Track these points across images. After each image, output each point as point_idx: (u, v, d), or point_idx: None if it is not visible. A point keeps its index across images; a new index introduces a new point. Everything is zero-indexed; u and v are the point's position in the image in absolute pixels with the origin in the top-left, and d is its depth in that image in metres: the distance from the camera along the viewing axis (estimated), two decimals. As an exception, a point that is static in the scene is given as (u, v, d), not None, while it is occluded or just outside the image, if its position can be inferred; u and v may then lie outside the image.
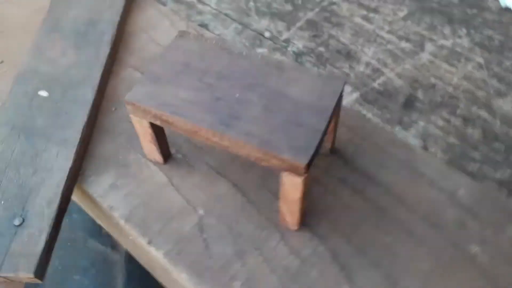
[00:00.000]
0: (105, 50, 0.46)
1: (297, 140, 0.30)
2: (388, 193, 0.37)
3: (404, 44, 0.51)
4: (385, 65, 0.49)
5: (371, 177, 0.38)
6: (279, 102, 0.32)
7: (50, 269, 0.34)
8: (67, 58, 0.45)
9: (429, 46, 0.51)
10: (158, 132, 0.36)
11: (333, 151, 0.40)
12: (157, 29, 0.52)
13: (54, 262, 0.45)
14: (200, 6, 0.56)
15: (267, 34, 0.53)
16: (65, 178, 0.36)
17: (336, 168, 0.39)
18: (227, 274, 0.33)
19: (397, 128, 0.43)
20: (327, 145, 0.38)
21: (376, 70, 0.48)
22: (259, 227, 0.35)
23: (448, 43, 0.51)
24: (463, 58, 0.49)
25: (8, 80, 0.45)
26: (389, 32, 0.52)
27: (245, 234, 0.35)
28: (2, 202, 0.34)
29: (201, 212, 0.36)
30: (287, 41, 0.52)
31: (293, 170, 0.29)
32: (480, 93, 0.46)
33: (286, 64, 0.34)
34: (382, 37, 0.52)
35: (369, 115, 0.44)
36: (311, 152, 0.29)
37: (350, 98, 0.46)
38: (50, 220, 0.34)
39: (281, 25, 0.54)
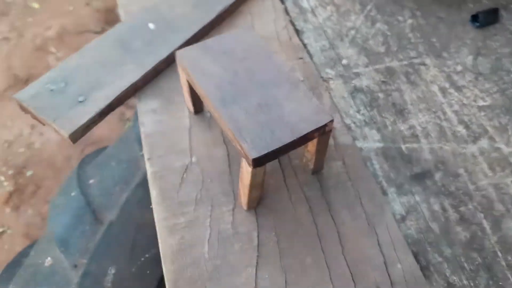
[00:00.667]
0: (216, 11, 0.58)
1: (261, 140, 0.37)
2: (333, 228, 0.42)
3: (460, 129, 0.52)
4: (427, 136, 0.51)
5: (331, 210, 0.43)
6: (272, 107, 0.40)
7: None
8: (181, 7, 0.59)
9: (483, 142, 0.51)
10: (192, 87, 0.46)
11: (315, 172, 0.46)
12: (261, 17, 0.62)
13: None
14: (309, 16, 0.65)
15: (344, 61, 0.59)
16: (126, 87, 0.50)
17: (308, 185, 0.45)
18: (179, 210, 0.43)
19: (392, 189, 0.47)
20: (310, 164, 0.45)
21: (414, 136, 0.51)
22: (225, 192, 0.44)
23: (506, 149, 0.50)
24: (509, 169, 0.49)
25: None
26: (454, 112, 0.54)
27: (212, 191, 0.44)
28: (77, 88, 0.49)
29: (193, 159, 0.47)
30: (357, 74, 0.57)
31: (247, 160, 0.37)
32: (498, 207, 0.46)
33: (301, 86, 0.42)
34: (444, 113, 0.54)
35: (377, 166, 0.48)
36: (263, 152, 0.37)
37: (371, 144, 0.50)
38: (100, 108, 0.48)
39: (362, 60, 0.59)
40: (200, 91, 0.42)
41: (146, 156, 0.47)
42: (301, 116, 0.39)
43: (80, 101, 0.49)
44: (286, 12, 0.64)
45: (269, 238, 0.42)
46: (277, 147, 0.37)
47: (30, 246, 0.60)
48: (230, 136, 0.39)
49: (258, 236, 0.42)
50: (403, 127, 0.52)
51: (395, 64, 0.59)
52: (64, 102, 0.49)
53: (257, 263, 0.40)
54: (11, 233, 1.42)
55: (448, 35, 0.63)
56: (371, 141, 0.51)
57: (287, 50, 0.58)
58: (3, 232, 1.41)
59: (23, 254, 0.59)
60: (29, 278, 0.52)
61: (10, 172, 1.54)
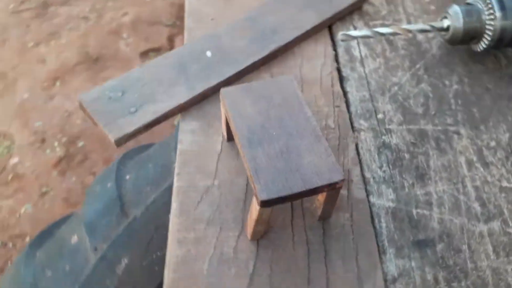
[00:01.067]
0: (269, 48, 0.65)
1: (274, 185, 0.43)
2: (324, 275, 0.47)
3: (476, 205, 0.55)
4: (440, 205, 0.54)
5: (326, 258, 0.48)
6: (292, 156, 0.45)
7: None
8: (239, 41, 0.66)
9: (495, 224, 0.53)
10: (227, 121, 0.53)
11: (322, 219, 0.51)
12: (310, 61, 0.67)
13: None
14: (357, 65, 0.69)
15: (380, 116, 0.63)
16: (174, 106, 0.58)
17: (312, 229, 0.50)
18: (191, 226, 0.49)
19: (391, 250, 0.51)
20: (318, 210, 0.50)
21: (427, 203, 0.54)
22: (235, 219, 0.51)
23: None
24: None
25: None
26: (474, 187, 0.56)
27: (224, 214, 0.51)
28: (125, 95, 0.58)
29: (215, 182, 0.53)
30: (389, 130, 0.61)
31: (257, 199, 0.43)
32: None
33: (323, 141, 0.47)
34: (465, 186, 0.56)
35: (383, 225, 0.52)
36: (272, 197, 0.42)
37: (384, 203, 0.54)
38: (147, 121, 0.56)
39: (397, 118, 0.63)
40: (232, 128, 0.49)
41: (176, 171, 0.55)
42: (316, 170, 0.45)
43: (131, 112, 0.57)
44: (336, 59, 0.69)
45: (263, 270, 0.47)
46: (286, 194, 0.43)
47: (63, 220, 0.70)
48: (248, 174, 0.45)
49: (254, 265, 0.47)
50: (419, 191, 0.56)
51: (429, 127, 0.62)
52: (118, 110, 0.57)
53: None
54: (53, 195, 1.58)
55: (490, 107, 0.65)
56: (384, 199, 0.55)
57: (327, 96, 0.63)
58: (46, 192, 1.56)
59: (56, 225, 0.69)
60: (55, 250, 0.61)
61: (64, 139, 1.70)
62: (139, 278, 0.47)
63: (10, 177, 1.54)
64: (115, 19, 2.09)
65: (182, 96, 0.59)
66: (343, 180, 0.45)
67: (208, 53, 0.65)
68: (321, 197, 0.48)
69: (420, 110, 0.64)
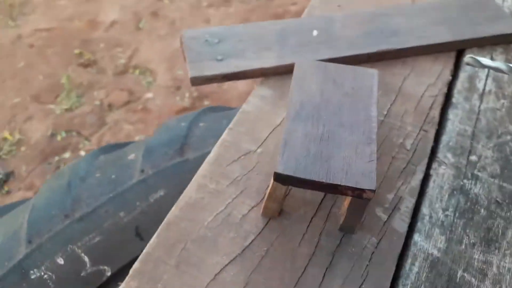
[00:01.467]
0: (377, 47, 0.61)
1: (295, 163, 0.40)
2: (317, 283, 0.42)
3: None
4: (495, 280, 0.44)
5: (328, 269, 0.43)
6: (331, 145, 0.42)
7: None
8: (352, 30, 0.62)
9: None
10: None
11: (343, 230, 0.45)
12: (419, 75, 0.60)
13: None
14: (475, 96, 0.59)
15: (473, 158, 0.53)
16: (256, 68, 0.57)
17: (328, 235, 0.45)
18: (217, 177, 0.49)
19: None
20: (342, 218, 0.44)
21: (480, 271, 0.44)
22: (259, 190, 0.48)
23: None
24: None
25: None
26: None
27: (251, 182, 0.49)
28: None
29: (258, 150, 0.51)
30: (475, 177, 0.52)
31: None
32: None
33: (373, 146, 0.41)
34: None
35: (415, 269, 0.45)
36: (286, 173, 0.40)
37: (428, 248, 0.45)
38: (226, 72, 0.57)
39: (493, 169, 0.53)
40: (289, 98, 0.46)
41: (230, 125, 0.54)
42: (347, 168, 0.40)
43: (218, 59, 0.59)
44: (450, 84, 0.60)
45: (258, 249, 0.44)
46: (304, 177, 0.39)
47: (138, 141, 0.76)
48: (280, 143, 0.43)
49: (252, 240, 0.45)
50: (478, 256, 0.46)
51: (528, 194, 0.50)
52: (207, 53, 0.59)
53: (233, 259, 0.43)
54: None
55: None
56: (431, 244, 0.46)
57: (418, 116, 0.56)
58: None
59: (130, 142, 0.76)
60: (114, 158, 0.67)
61: (195, 94, 1.84)
62: (164, 214, 0.48)
63: (139, 107, 1.74)
64: (283, 5, 2.17)
65: (269, 61, 0.59)
66: (373, 191, 0.39)
67: (315, 32, 0.62)
68: (346, 203, 0.43)
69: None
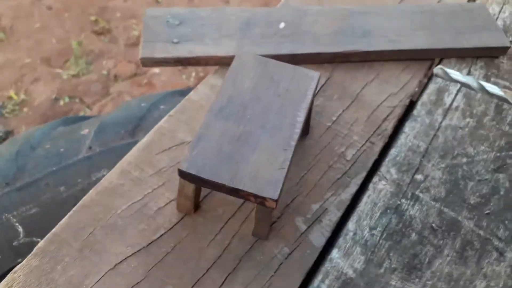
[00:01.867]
0: (348, 47, 0.58)
1: (202, 162, 0.38)
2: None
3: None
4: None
5: (232, 274, 0.41)
6: (246, 147, 0.39)
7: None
8: (323, 28, 0.59)
9: None
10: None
11: (255, 235, 0.43)
12: (384, 83, 0.57)
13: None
14: (438, 111, 0.56)
15: (418, 177, 0.50)
16: (211, 55, 0.55)
17: (239, 240, 0.43)
18: (144, 165, 0.48)
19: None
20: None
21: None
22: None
23: None
24: None
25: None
26: None
27: (176, 174, 0.47)
28: None
29: (188, 139, 0.50)
30: (415, 198, 0.49)
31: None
32: None
33: (289, 153, 0.39)
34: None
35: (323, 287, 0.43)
36: (190, 171, 0.38)
37: (345, 266, 0.43)
38: (178, 56, 0.55)
39: (438, 192, 0.49)
40: (219, 90, 0.44)
41: (171, 112, 0.53)
42: (255, 174, 0.38)
43: (173, 42, 0.57)
44: (416, 96, 0.57)
45: (166, 244, 0.43)
46: (207, 178, 0.38)
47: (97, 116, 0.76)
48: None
49: (162, 235, 0.44)
50: (396, 283, 0.43)
51: (467, 224, 0.47)
52: (164, 35, 0.57)
53: (137, 251, 0.42)
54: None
55: None
56: (347, 263, 0.44)
57: (369, 126, 0.53)
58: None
59: (92, 117, 0.76)
60: (68, 132, 0.67)
61: (201, 74, 1.81)
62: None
63: (144, 81, 1.74)
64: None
65: (226, 50, 0.57)
66: (275, 201, 0.37)
67: (282, 25, 0.60)
68: (255, 209, 0.41)
69: (474, 200, 0.49)
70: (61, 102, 1.65)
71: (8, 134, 1.53)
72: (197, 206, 0.45)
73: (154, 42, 0.57)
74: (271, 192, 0.37)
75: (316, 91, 0.55)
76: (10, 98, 1.65)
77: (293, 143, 0.40)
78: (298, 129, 0.41)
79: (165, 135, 0.51)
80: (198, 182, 0.39)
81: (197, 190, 0.41)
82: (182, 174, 0.38)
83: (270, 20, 0.60)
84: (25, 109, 1.62)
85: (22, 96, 1.65)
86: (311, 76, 0.45)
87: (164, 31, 0.58)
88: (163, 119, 0.52)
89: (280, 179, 0.37)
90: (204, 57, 0.56)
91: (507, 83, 0.59)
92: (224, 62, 0.57)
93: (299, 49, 0.57)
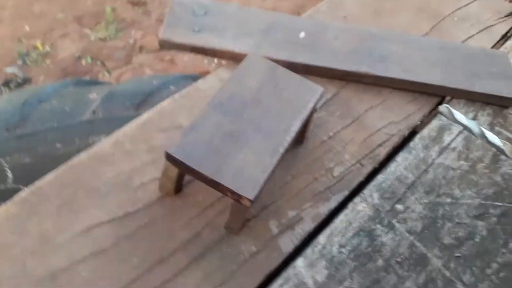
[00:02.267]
0: (362, 68, 0.59)
1: (192, 148, 0.40)
2: (180, 272, 0.42)
3: None
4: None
5: (196, 262, 0.43)
6: (235, 144, 0.41)
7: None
8: (343, 43, 0.60)
9: None
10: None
11: (226, 228, 0.45)
12: (388, 110, 0.58)
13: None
14: (433, 150, 0.56)
15: (398, 207, 0.51)
16: (226, 49, 0.57)
17: (211, 229, 0.45)
18: (140, 137, 0.50)
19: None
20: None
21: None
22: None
23: None
24: None
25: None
26: None
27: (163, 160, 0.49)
28: None
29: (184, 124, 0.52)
30: (390, 227, 0.50)
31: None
32: None
33: (277, 156, 0.41)
34: None
35: None
36: (176, 156, 0.39)
37: (303, 274, 0.45)
38: (193, 45, 0.57)
39: (414, 226, 0.50)
40: (222, 85, 0.46)
41: (176, 95, 0.55)
42: (238, 171, 0.40)
43: (194, 30, 0.59)
44: (416, 128, 0.58)
45: (138, 220, 0.45)
46: (190, 166, 0.40)
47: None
48: (188, 124, 0.43)
49: (137, 210, 0.46)
50: (352, 302, 0.45)
51: (436, 262, 0.48)
52: (187, 22, 0.59)
53: (112, 219, 0.45)
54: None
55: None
56: (309, 274, 0.46)
57: (362, 149, 0.54)
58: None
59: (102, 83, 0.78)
60: (75, 94, 0.70)
61: (224, 62, 1.83)
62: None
63: (167, 58, 1.77)
64: None
65: (243, 47, 0.58)
66: (251, 201, 0.39)
67: (302, 34, 0.61)
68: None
69: (448, 241, 0.50)
70: (83, 62, 1.69)
71: (26, 81, 1.57)
72: (178, 189, 0.47)
73: (176, 27, 0.59)
74: (249, 192, 0.38)
75: (320, 105, 0.56)
76: (35, 47, 1.69)
77: (282, 150, 0.41)
78: (289, 138, 0.42)
79: (164, 116, 0.53)
80: (182, 167, 0.40)
81: (180, 174, 0.43)
82: (169, 157, 0.40)
83: (292, 28, 0.62)
84: (48, 61, 1.66)
85: (47, 48, 1.70)
86: (315, 89, 0.46)
87: (188, 18, 0.60)
88: (165, 100, 0.54)
89: (260, 181, 0.39)
90: (220, 50, 0.58)
91: (511, 135, 0.60)
92: (238, 59, 0.58)
93: (313, 61, 0.59)
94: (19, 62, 1.63)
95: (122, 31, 1.83)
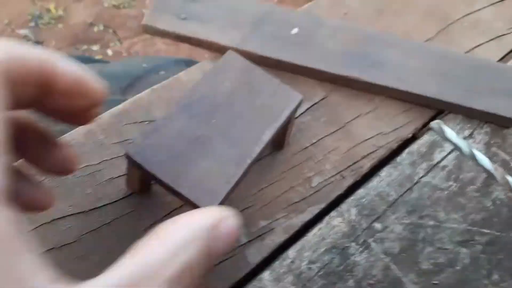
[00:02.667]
0: (354, 72, 0.55)
1: (152, 150, 0.38)
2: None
3: None
4: None
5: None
6: (200, 151, 0.39)
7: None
8: (335, 44, 0.57)
9: None
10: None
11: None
12: (378, 119, 0.54)
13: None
14: (421, 167, 0.53)
15: (377, 226, 0.49)
16: (209, 40, 0.54)
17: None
18: (118, 125, 0.47)
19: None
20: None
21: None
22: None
23: None
24: None
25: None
26: None
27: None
28: None
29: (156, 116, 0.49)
30: (366, 246, 0.47)
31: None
32: None
33: (243, 166, 0.38)
34: None
35: None
36: (135, 159, 0.37)
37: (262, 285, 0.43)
38: (179, 33, 0.54)
39: (392, 246, 0.48)
40: (194, 84, 0.43)
41: (154, 86, 0.52)
42: (200, 179, 0.37)
43: (181, 17, 0.56)
44: (406, 141, 0.54)
45: (105, 215, 0.43)
46: (148, 170, 0.37)
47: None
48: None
49: (105, 205, 0.44)
50: (314, 323, 0.43)
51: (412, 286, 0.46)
52: (175, 8, 0.57)
53: (77, 213, 0.43)
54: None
55: None
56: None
57: (345, 159, 0.52)
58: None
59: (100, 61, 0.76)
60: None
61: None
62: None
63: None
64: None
65: (230, 41, 0.55)
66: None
67: (294, 30, 0.58)
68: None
69: (426, 266, 0.47)
70: (95, 29, 1.67)
71: (37, 44, 1.55)
72: (146, 189, 0.44)
73: (162, 12, 0.56)
74: (208, 204, 0.36)
75: (305, 109, 0.53)
76: (48, 10, 1.67)
77: (249, 160, 0.39)
78: (259, 148, 0.40)
79: (141, 107, 0.50)
80: (141, 170, 0.38)
81: (143, 175, 0.41)
82: (128, 157, 0.38)
83: (285, 22, 0.58)
84: (60, 25, 1.64)
85: (60, 12, 1.68)
86: (293, 97, 0.43)
87: (176, 4, 0.57)
88: (144, 91, 0.52)
89: (221, 193, 0.37)
90: (206, 41, 0.55)
91: (508, 158, 0.56)
92: (224, 51, 0.55)
93: (303, 61, 0.55)
94: (31, 24, 1.61)
95: (137, 0, 1.79)
